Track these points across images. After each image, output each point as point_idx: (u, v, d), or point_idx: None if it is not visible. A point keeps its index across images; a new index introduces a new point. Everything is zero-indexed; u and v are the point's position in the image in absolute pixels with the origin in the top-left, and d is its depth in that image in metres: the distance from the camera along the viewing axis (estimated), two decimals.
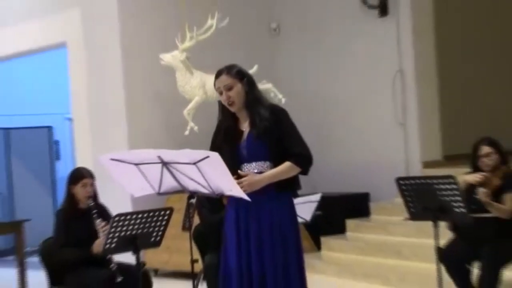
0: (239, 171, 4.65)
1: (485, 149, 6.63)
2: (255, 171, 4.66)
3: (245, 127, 4.78)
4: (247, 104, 4.77)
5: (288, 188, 4.73)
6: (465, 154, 6.96)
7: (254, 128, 4.71)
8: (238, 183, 4.51)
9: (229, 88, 4.75)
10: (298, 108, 8.67)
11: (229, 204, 4.79)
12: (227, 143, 4.80)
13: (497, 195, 6.52)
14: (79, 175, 6.47)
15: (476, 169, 6.66)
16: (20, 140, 13.63)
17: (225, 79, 4.80)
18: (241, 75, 4.83)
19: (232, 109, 4.78)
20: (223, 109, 4.92)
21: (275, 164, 4.63)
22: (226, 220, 4.83)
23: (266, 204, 4.63)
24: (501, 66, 12.55)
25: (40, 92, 14.65)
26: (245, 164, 4.70)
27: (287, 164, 4.60)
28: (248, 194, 4.49)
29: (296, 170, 4.63)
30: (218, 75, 4.87)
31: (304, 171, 4.69)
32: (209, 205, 6.50)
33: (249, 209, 4.66)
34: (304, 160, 4.64)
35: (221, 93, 4.81)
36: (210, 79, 9.87)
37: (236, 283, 4.67)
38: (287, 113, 4.79)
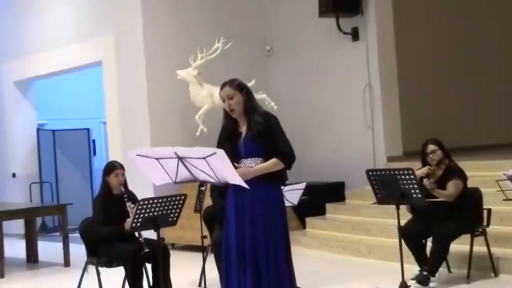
0: (235, 163, 4.65)
1: (431, 147, 6.72)
2: (250, 165, 4.66)
3: (243, 129, 4.80)
4: (245, 111, 4.78)
5: (276, 179, 4.73)
6: (419, 151, 6.98)
7: (250, 131, 4.73)
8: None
9: (231, 98, 4.78)
10: (287, 114, 8.68)
11: (230, 191, 4.78)
12: (229, 142, 4.82)
13: (442, 183, 6.57)
14: (112, 167, 6.48)
15: (425, 163, 6.72)
16: (64, 139, 13.62)
17: (227, 90, 4.83)
18: (241, 87, 4.84)
19: (233, 115, 4.81)
20: (226, 114, 4.92)
21: (266, 160, 4.65)
22: (227, 203, 4.83)
23: (258, 190, 4.62)
24: (450, 81, 12.57)
25: (80, 101, 14.66)
26: (243, 159, 4.71)
27: (273, 160, 4.62)
28: (245, 182, 4.51)
29: (280, 165, 4.65)
30: (222, 86, 4.90)
31: (288, 167, 4.73)
32: (220, 191, 6.48)
33: (244, 195, 4.65)
34: (288, 158, 4.66)
35: (224, 101, 4.85)
36: (216, 90, 9.82)
37: (235, 253, 4.66)
38: (277, 120, 4.81)
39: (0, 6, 13.40)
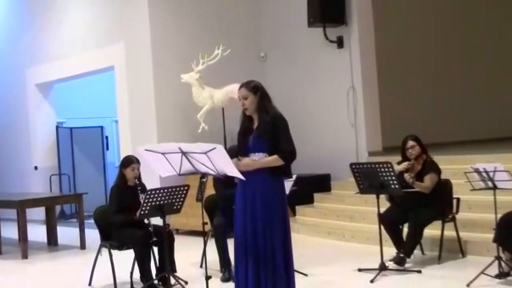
0: (239, 156, 4.66)
1: (411, 143, 6.72)
2: (256, 158, 4.63)
3: (255, 127, 4.74)
4: (257, 111, 4.73)
5: (279, 173, 4.67)
6: (398, 146, 6.98)
7: (258, 129, 4.69)
8: (239, 160, 4.57)
9: (245, 98, 4.73)
10: None
11: (239, 182, 4.72)
12: (242, 137, 4.78)
13: (420, 176, 6.59)
14: (130, 161, 6.46)
15: (404, 157, 6.74)
16: (80, 136, 13.62)
17: (243, 90, 4.76)
18: (255, 89, 4.75)
19: (246, 113, 4.76)
20: (243, 112, 4.84)
21: (271, 156, 4.61)
22: (237, 193, 4.77)
23: (262, 181, 4.58)
24: (425, 83, 12.60)
25: (95, 102, 14.68)
26: (251, 153, 4.66)
27: (274, 156, 4.58)
28: (250, 174, 4.51)
29: (280, 161, 4.59)
30: (240, 87, 4.83)
31: (287, 163, 4.66)
32: (225, 183, 6.46)
33: (251, 185, 4.60)
34: (287, 156, 4.61)
35: (240, 100, 4.78)
36: (216, 92, 9.92)
37: (240, 242, 4.63)
38: (284, 120, 4.73)
39: (25, 19, 13.45)
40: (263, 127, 4.65)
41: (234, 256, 4.80)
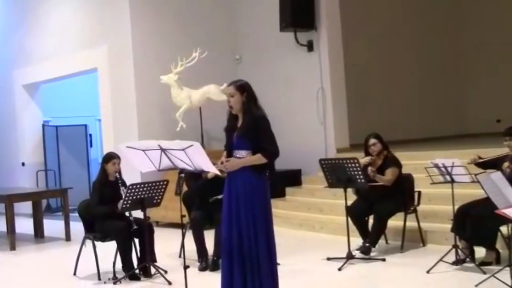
0: (223, 157, 4.56)
1: (372, 141, 6.77)
2: (239, 156, 4.52)
3: (239, 125, 4.62)
4: (242, 110, 4.61)
5: (263, 171, 4.56)
6: (363, 143, 7.02)
7: (241, 128, 4.58)
8: (226, 161, 4.47)
9: (232, 96, 4.58)
10: None
11: (226, 181, 4.61)
12: (227, 134, 4.67)
13: (382, 170, 6.63)
14: (111, 157, 6.46)
15: (367, 154, 6.78)
16: (65, 134, 13.51)
17: (230, 88, 4.63)
18: (242, 89, 4.61)
19: (231, 110, 4.63)
20: (229, 110, 4.71)
21: (254, 153, 4.49)
22: (224, 190, 4.64)
23: (246, 178, 4.47)
24: (389, 85, 12.70)
25: (79, 101, 14.54)
26: (235, 150, 4.56)
27: (258, 155, 4.48)
28: (234, 172, 4.45)
29: (263, 160, 4.48)
30: (228, 85, 4.70)
31: (270, 162, 4.56)
32: (194, 177, 6.51)
33: (236, 182, 4.51)
34: (270, 154, 4.50)
35: (227, 97, 4.68)
36: (194, 93, 9.89)
37: (225, 238, 4.53)
38: (266, 121, 4.60)
39: (12, 23, 13.33)
40: (246, 126, 4.55)
41: (221, 251, 4.71)
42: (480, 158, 5.89)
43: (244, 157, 4.51)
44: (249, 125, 4.54)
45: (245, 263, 4.45)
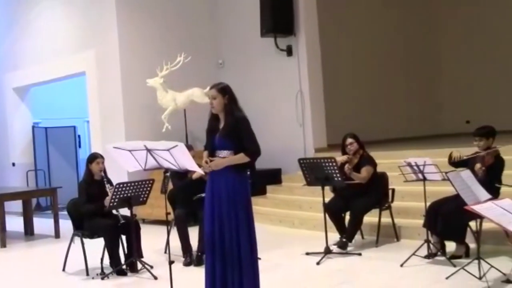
0: (209, 157, 4.51)
1: (349, 140, 6.80)
2: (222, 156, 4.49)
3: (221, 126, 4.60)
4: (224, 112, 4.58)
5: (244, 169, 4.54)
6: (340, 143, 7.05)
7: (223, 129, 4.54)
8: (210, 161, 4.44)
9: (214, 98, 4.55)
10: None
11: (208, 179, 4.58)
12: (209, 134, 4.63)
13: (358, 168, 6.66)
14: (94, 157, 6.44)
15: (344, 153, 6.80)
16: (55, 135, 13.40)
17: (212, 91, 4.58)
18: (224, 92, 4.57)
19: (213, 111, 4.60)
20: (211, 111, 4.66)
21: (236, 153, 4.46)
22: (206, 188, 4.61)
23: (228, 176, 4.44)
24: (365, 88, 12.76)
25: (68, 104, 14.42)
26: (217, 150, 4.53)
27: (240, 154, 4.44)
28: (217, 171, 4.42)
29: (246, 159, 4.46)
30: (210, 88, 4.65)
31: (252, 160, 4.53)
32: (178, 176, 6.49)
33: (218, 181, 4.48)
34: (252, 153, 4.48)
35: (209, 99, 4.65)
36: (178, 95, 9.86)
37: (208, 235, 4.50)
38: (247, 121, 4.57)
39: (2, 28, 13.19)
40: (227, 128, 4.52)
41: (204, 247, 4.67)
42: (460, 157, 5.89)
43: (226, 157, 4.49)
44: (231, 126, 4.52)
45: (227, 259, 4.43)
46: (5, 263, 7.62)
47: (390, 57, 13.32)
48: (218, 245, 4.45)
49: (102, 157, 6.40)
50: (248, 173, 4.71)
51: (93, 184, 6.33)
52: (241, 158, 4.47)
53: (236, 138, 4.49)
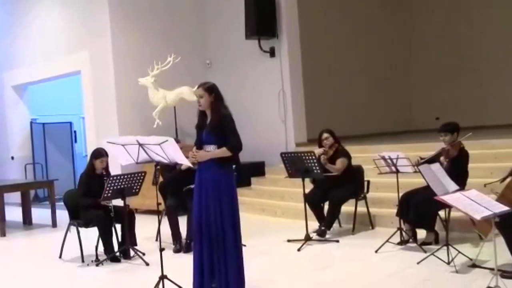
0: (195, 148, 4.51)
1: (325, 135, 6.81)
2: (208, 150, 4.47)
3: (208, 123, 4.57)
4: (210, 109, 4.55)
5: (228, 162, 4.53)
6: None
7: (209, 125, 4.53)
8: (196, 153, 4.42)
9: (201, 96, 4.52)
10: None
11: (197, 171, 4.55)
12: (198, 130, 4.61)
13: (333, 160, 6.66)
14: (100, 154, 6.25)
15: (321, 146, 6.81)
16: (52, 130, 13.26)
17: (200, 90, 4.55)
18: (210, 91, 4.54)
19: (200, 108, 4.58)
20: (199, 109, 4.63)
21: (220, 147, 4.44)
22: (195, 180, 4.57)
23: (213, 170, 4.42)
24: (342, 86, 12.78)
25: (64, 101, 14.28)
26: (205, 145, 4.51)
27: (223, 149, 4.43)
28: (204, 163, 4.41)
29: (228, 153, 4.44)
30: (198, 87, 4.61)
31: (234, 155, 4.52)
32: (168, 169, 6.47)
33: (205, 174, 4.46)
34: (234, 148, 4.46)
35: (197, 98, 4.63)
36: (168, 94, 9.81)
37: (196, 223, 4.48)
38: (231, 118, 4.55)
39: (1, 28, 13.02)
40: (213, 124, 4.51)
41: (193, 235, 4.66)
42: (421, 158, 5.80)
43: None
44: (217, 123, 4.51)
45: (213, 245, 4.42)
46: (5, 251, 7.55)
47: (365, 58, 13.35)
48: (205, 233, 4.44)
49: (107, 155, 6.21)
50: (234, 166, 4.71)
51: (94, 178, 6.24)
52: (224, 152, 4.46)
53: (221, 133, 4.48)
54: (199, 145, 4.57)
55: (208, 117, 4.59)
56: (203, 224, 4.45)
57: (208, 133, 4.52)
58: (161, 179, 6.45)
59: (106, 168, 6.28)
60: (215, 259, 4.43)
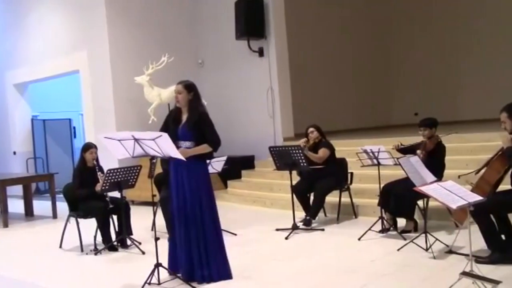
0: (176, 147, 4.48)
1: (310, 129, 6.87)
2: (184, 146, 4.48)
3: (184, 119, 4.58)
4: (188, 106, 4.56)
5: (203, 157, 4.55)
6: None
7: (186, 122, 4.53)
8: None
9: (180, 93, 4.54)
10: (215, 109, 8.56)
11: (172, 165, 4.57)
12: (172, 125, 4.59)
13: (316, 150, 6.66)
14: (88, 146, 6.32)
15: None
16: (52, 127, 13.22)
17: (179, 87, 4.57)
18: (189, 88, 4.56)
19: (177, 105, 4.58)
20: (176, 104, 4.66)
21: (197, 144, 4.47)
22: (171, 173, 4.61)
23: (190, 164, 4.41)
24: (327, 84, 12.78)
25: (64, 98, 14.24)
26: (180, 141, 4.52)
27: (204, 145, 4.45)
28: (180, 161, 4.35)
29: (209, 149, 4.47)
30: (178, 83, 4.62)
31: (214, 150, 4.54)
32: (166, 161, 6.42)
33: (182, 168, 4.47)
34: (213, 144, 4.48)
35: (175, 93, 4.61)
36: (163, 91, 9.76)
37: (175, 211, 4.50)
38: (208, 116, 4.55)
39: (3, 30, 12.93)
40: (191, 121, 4.51)
41: (172, 222, 4.68)
42: (401, 144, 5.99)
43: (190, 147, 4.48)
44: (194, 120, 4.50)
45: (191, 232, 4.43)
46: (7, 241, 7.49)
47: (350, 57, 13.36)
48: (188, 222, 4.45)
49: (95, 147, 6.28)
50: (208, 161, 4.69)
51: (86, 171, 6.22)
52: (205, 148, 4.48)
53: (198, 130, 4.48)
54: (175, 141, 4.52)
55: (184, 114, 4.59)
56: (181, 212, 4.45)
57: (185, 129, 4.52)
58: (156, 171, 6.42)
59: (97, 160, 6.26)
60: (193, 246, 4.44)
